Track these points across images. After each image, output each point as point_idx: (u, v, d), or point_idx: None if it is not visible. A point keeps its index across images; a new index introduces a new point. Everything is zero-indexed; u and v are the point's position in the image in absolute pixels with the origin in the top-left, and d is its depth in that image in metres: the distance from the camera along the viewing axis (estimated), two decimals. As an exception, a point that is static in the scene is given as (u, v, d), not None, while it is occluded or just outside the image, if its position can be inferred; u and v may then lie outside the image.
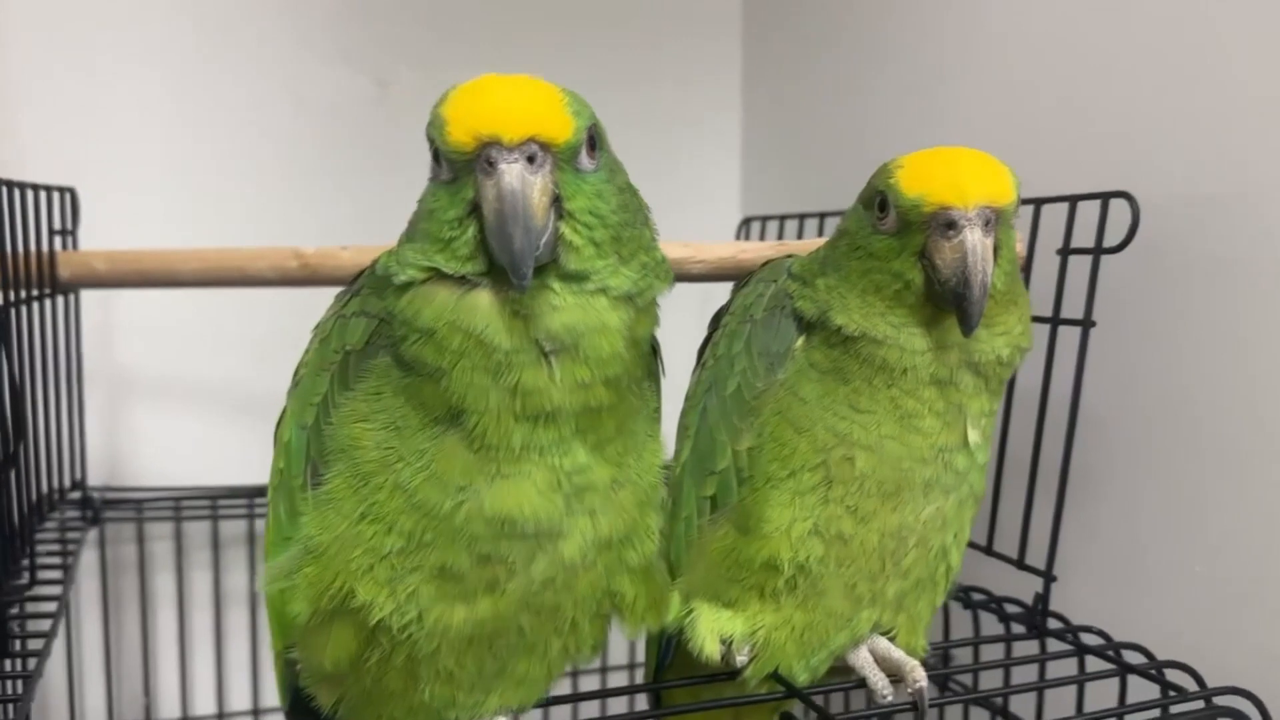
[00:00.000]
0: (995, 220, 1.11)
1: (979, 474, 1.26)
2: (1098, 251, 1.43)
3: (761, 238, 2.29)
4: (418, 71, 2.17)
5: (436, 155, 0.92)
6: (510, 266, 0.86)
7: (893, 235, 1.12)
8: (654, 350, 1.10)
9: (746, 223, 2.35)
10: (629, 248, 0.96)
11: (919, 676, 1.23)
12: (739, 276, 1.46)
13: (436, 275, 0.92)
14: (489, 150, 0.87)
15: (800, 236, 2.11)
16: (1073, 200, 1.46)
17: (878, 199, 1.17)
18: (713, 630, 1.25)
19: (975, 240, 1.08)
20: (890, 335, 1.15)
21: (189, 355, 2.13)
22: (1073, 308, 1.45)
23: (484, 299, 0.91)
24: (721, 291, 1.44)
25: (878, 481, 1.19)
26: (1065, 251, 1.47)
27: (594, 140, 0.94)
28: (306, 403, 1.03)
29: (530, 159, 0.87)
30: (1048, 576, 1.45)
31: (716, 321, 1.35)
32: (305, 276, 1.52)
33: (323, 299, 1.11)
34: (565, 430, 0.96)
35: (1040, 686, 1.30)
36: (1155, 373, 1.48)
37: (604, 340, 0.93)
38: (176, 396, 2.15)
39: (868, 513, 1.20)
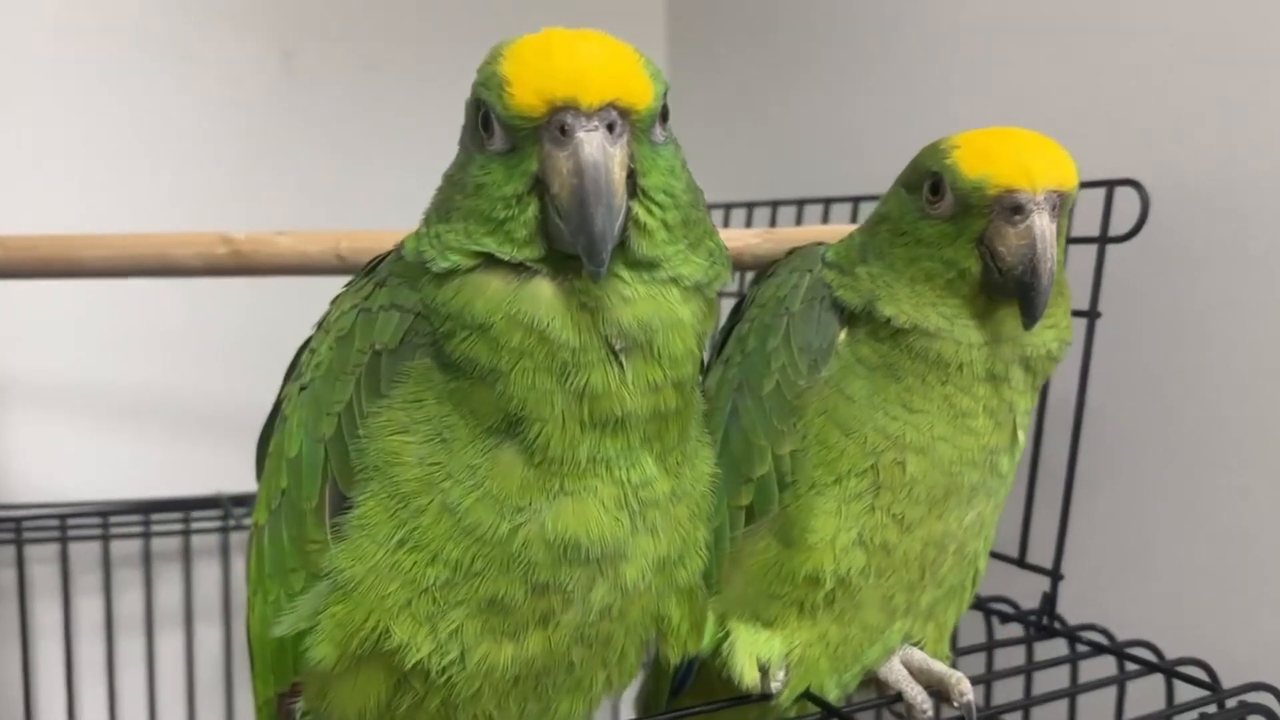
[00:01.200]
0: (1060, 206, 1.05)
1: (1014, 475, 1.20)
2: (1103, 240, 1.40)
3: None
4: (326, 41, 2.05)
5: (486, 121, 0.82)
6: (588, 251, 0.77)
7: (947, 220, 1.06)
8: None
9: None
10: (696, 232, 0.88)
11: (965, 689, 1.16)
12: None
13: (486, 261, 0.82)
14: (563, 116, 0.77)
15: (749, 225, 2.03)
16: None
17: (929, 181, 1.09)
18: (751, 654, 1.15)
19: (1044, 226, 1.02)
20: (944, 327, 1.08)
21: (80, 355, 1.90)
22: (1077, 298, 1.40)
23: (546, 289, 0.81)
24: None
25: (927, 487, 1.12)
26: (1068, 240, 1.42)
27: (666, 110, 0.85)
28: (322, 411, 0.91)
29: (610, 127, 0.78)
30: (1055, 575, 1.41)
31: (735, 315, 1.24)
32: (236, 265, 1.39)
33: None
34: (634, 439, 0.87)
35: (1072, 693, 1.25)
36: (1162, 364, 1.46)
37: (678, 336, 0.85)
38: (64, 401, 1.91)
39: (913, 520, 1.13)
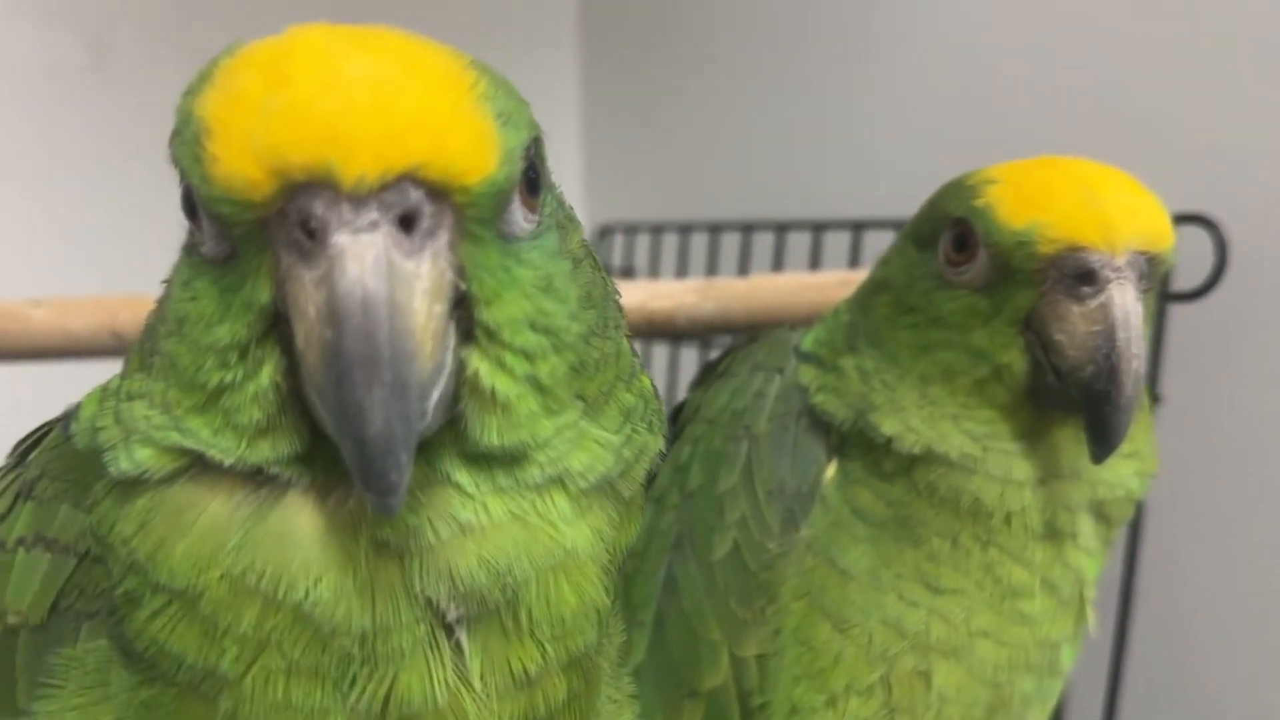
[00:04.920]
0: (1149, 276, 0.74)
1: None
2: (1165, 298, 1.06)
3: (628, 253, 1.81)
4: (150, 30, 1.71)
5: (190, 201, 0.50)
6: (360, 467, 0.45)
7: (978, 290, 0.77)
8: None
9: (606, 232, 1.87)
10: (600, 381, 0.56)
11: None
12: (654, 335, 1.00)
13: (199, 463, 0.51)
14: (308, 202, 0.45)
15: (686, 250, 1.68)
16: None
17: (951, 232, 0.78)
18: None
19: (1127, 305, 0.71)
20: (972, 455, 0.76)
21: None
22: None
23: (306, 518, 0.50)
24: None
25: (963, 707, 0.79)
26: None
27: (535, 174, 0.53)
28: None
29: (405, 221, 0.46)
30: None
31: (674, 425, 0.87)
32: None
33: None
34: None
35: None
36: (1236, 458, 1.14)
37: (567, 584, 0.53)
38: None
39: None
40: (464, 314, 0.49)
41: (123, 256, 1.57)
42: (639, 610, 0.83)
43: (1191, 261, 1.04)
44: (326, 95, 0.44)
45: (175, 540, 0.49)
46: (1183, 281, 1.06)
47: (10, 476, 0.62)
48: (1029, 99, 1.32)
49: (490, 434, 0.50)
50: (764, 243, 1.56)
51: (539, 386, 0.52)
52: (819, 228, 1.46)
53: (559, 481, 0.53)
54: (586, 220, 1.99)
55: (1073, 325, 0.72)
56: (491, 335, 0.49)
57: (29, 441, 0.64)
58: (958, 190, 0.78)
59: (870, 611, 0.76)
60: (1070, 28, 1.27)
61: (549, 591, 0.52)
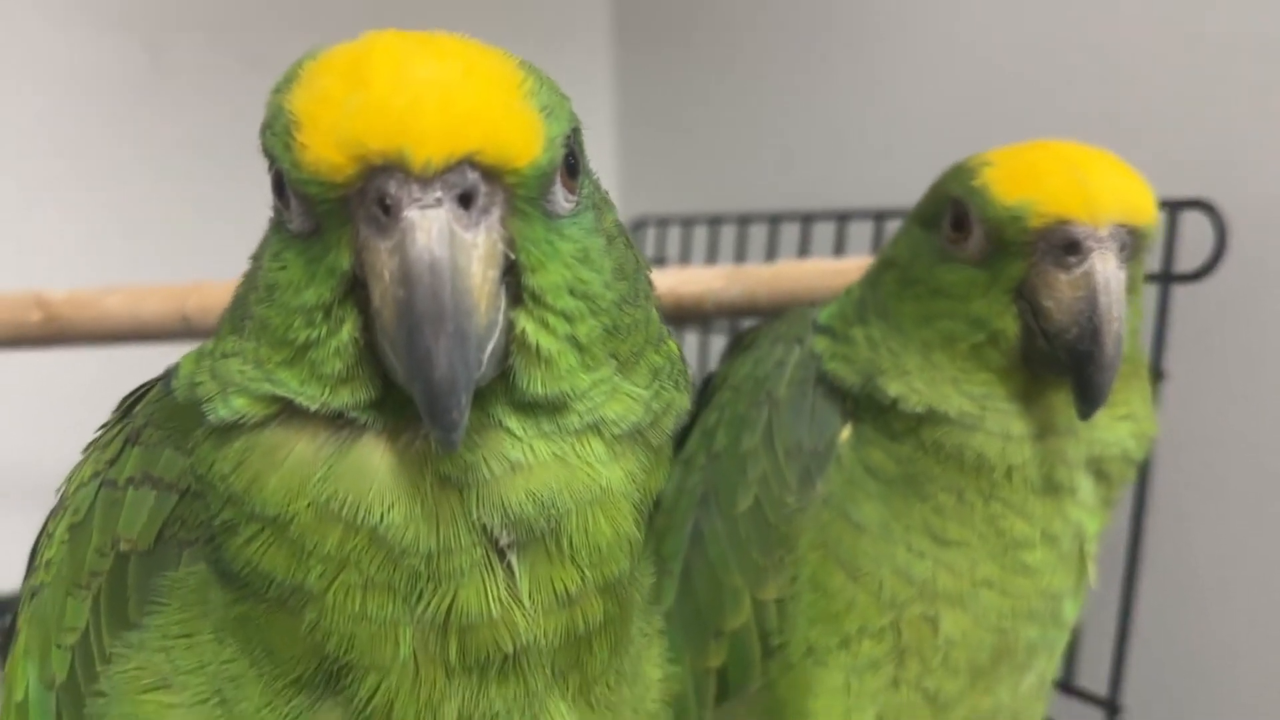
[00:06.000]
0: (1131, 247, 0.79)
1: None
2: (1168, 278, 1.10)
3: (661, 245, 1.87)
4: (208, 36, 1.73)
5: (280, 184, 0.57)
6: (427, 406, 0.52)
7: (975, 264, 0.83)
8: None
9: (640, 225, 1.93)
10: (631, 343, 0.62)
11: None
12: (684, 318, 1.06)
13: (288, 410, 0.57)
14: (384, 182, 0.52)
15: (716, 240, 1.73)
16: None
17: (950, 211, 0.83)
18: None
19: (1108, 272, 0.77)
20: (970, 413, 0.81)
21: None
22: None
23: (380, 455, 0.56)
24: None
25: (969, 651, 0.84)
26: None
27: (574, 160, 0.59)
28: (53, 641, 0.65)
29: (464, 199, 0.53)
30: (1113, 707, 1.14)
31: (703, 395, 0.93)
32: (52, 334, 1.12)
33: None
34: (536, 681, 0.61)
35: None
36: (1242, 433, 1.17)
37: (604, 517, 0.59)
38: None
39: (951, 698, 0.85)
40: (513, 280, 0.55)
41: (185, 247, 1.64)
42: (669, 561, 0.89)
43: (1194, 244, 1.08)
44: (398, 93, 0.51)
45: (268, 475, 0.56)
46: (1185, 263, 1.09)
47: (118, 427, 0.69)
48: (1038, 92, 1.35)
49: (535, 385, 0.56)
50: (790, 232, 1.61)
51: (577, 345, 0.58)
52: (843, 218, 1.51)
53: (595, 428, 0.58)
54: (622, 213, 2.05)
55: (1059, 292, 0.77)
56: (536, 299, 0.56)
57: (132, 398, 0.72)
58: (957, 173, 0.84)
59: (881, 561, 0.81)
60: (1083, 20, 1.30)
61: (587, 523, 0.58)
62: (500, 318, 0.54)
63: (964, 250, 0.82)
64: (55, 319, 1.10)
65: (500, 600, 0.57)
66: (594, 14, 2.14)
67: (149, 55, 1.74)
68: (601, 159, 2.16)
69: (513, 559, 0.57)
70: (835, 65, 1.67)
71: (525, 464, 0.57)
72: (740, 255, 1.68)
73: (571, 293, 0.57)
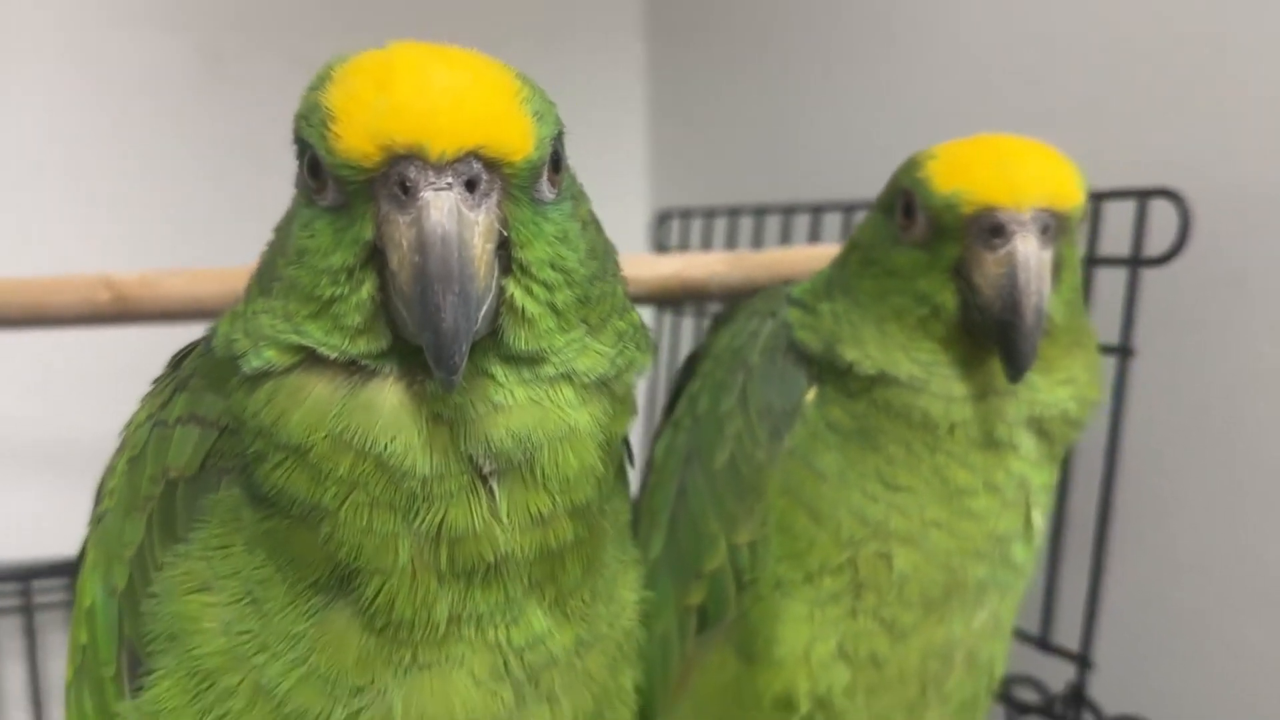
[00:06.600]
0: (1055, 229, 0.87)
1: (1034, 563, 0.98)
2: (1136, 263, 1.17)
3: (684, 236, 1.97)
4: (258, 38, 1.84)
5: (314, 166, 0.65)
6: (434, 353, 0.62)
7: (920, 246, 0.92)
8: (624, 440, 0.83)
9: (665, 218, 2.03)
10: (599, 311, 0.72)
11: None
12: (686, 300, 1.15)
13: (310, 358, 0.66)
14: (405, 168, 0.61)
15: (734, 231, 1.82)
16: (1095, 198, 1.20)
17: (901, 200, 0.92)
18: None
19: (1028, 251, 0.85)
20: (917, 375, 0.90)
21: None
22: (1104, 330, 1.18)
23: (387, 396, 0.65)
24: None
25: (921, 585, 0.92)
26: (1092, 261, 1.20)
27: (558, 157, 0.69)
28: (114, 555, 0.75)
29: (470, 184, 0.62)
30: (1084, 661, 1.19)
31: (690, 368, 1.03)
32: (119, 312, 1.21)
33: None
34: (515, 588, 0.70)
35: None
36: (1207, 408, 1.24)
37: (571, 451, 0.68)
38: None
39: (907, 627, 0.93)
40: (505, 254, 0.65)
41: (235, 235, 1.77)
42: (658, 514, 0.99)
43: (1160, 231, 1.15)
44: (419, 98, 0.61)
45: (292, 411, 0.65)
46: (1152, 248, 1.16)
47: (170, 377, 0.80)
48: (1035, 89, 1.43)
49: (520, 341, 0.66)
50: (802, 223, 1.70)
51: (555, 310, 0.67)
52: (849, 209, 1.60)
53: (567, 378, 0.68)
54: (648, 207, 2.16)
55: (987, 270, 0.86)
56: (524, 269, 0.66)
57: (181, 355, 0.82)
58: (908, 165, 0.93)
59: (839, 505, 0.91)
60: (1079, 24, 1.37)
61: (557, 456, 0.67)
62: (494, 284, 0.64)
63: (912, 235, 0.91)
64: (122, 299, 1.20)
65: (483, 518, 0.66)
66: (627, 17, 2.22)
67: (203, 58, 1.84)
68: (633, 157, 2.25)
69: (494, 484, 0.66)
70: (854, 67, 1.75)
71: (506, 406, 0.66)
72: (757, 245, 1.77)
73: (552, 266, 0.67)
